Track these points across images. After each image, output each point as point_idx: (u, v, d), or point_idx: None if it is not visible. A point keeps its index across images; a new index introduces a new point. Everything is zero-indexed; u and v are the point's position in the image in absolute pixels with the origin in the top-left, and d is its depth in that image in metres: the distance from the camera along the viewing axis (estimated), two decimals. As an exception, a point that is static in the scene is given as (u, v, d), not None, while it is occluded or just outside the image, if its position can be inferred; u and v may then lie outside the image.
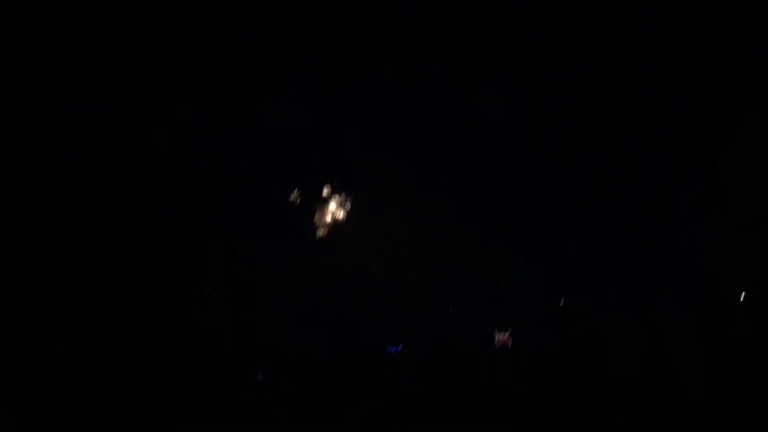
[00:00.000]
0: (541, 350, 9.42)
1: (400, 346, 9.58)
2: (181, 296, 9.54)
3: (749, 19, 9.33)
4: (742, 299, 9.04)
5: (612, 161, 9.82)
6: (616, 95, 9.78)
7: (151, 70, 9.77)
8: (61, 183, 9.47)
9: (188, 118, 9.76)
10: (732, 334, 8.93)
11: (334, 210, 9.95)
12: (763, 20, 9.30)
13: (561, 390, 8.87)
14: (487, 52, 9.76)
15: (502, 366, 9.41)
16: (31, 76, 9.44)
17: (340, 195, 9.99)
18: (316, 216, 9.92)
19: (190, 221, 9.76)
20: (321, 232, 9.95)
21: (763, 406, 8.29)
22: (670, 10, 9.53)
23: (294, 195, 9.98)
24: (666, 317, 9.22)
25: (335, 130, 9.94)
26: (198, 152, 9.82)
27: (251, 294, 9.74)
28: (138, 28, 9.62)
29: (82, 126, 9.59)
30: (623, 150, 9.80)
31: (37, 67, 9.44)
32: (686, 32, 9.49)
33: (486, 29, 9.74)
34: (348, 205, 9.95)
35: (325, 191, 9.99)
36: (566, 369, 9.07)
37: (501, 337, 9.56)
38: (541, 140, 9.96)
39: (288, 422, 8.86)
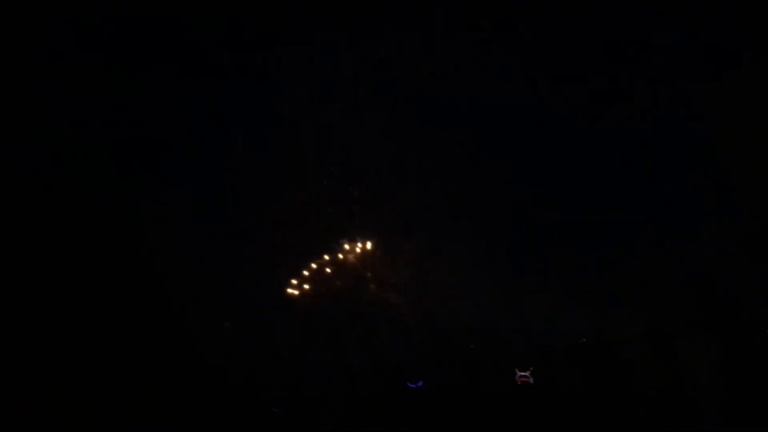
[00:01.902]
0: (561, 388, 9.47)
1: (420, 383, 9.71)
2: (196, 332, 9.54)
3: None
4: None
5: (633, 195, 9.87)
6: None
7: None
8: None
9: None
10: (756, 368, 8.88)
11: (356, 250, 10.05)
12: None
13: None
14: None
15: (523, 403, 9.44)
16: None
17: (360, 239, 10.09)
18: (339, 253, 10.01)
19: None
20: (343, 273, 10.05)
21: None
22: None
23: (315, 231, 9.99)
24: (690, 353, 9.21)
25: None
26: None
27: (269, 329, 9.79)
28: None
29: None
30: (645, 180, 9.85)
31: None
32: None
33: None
34: (369, 246, 10.04)
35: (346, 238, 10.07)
36: (589, 408, 9.07)
37: (522, 375, 9.70)
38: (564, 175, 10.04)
39: None
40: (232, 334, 9.77)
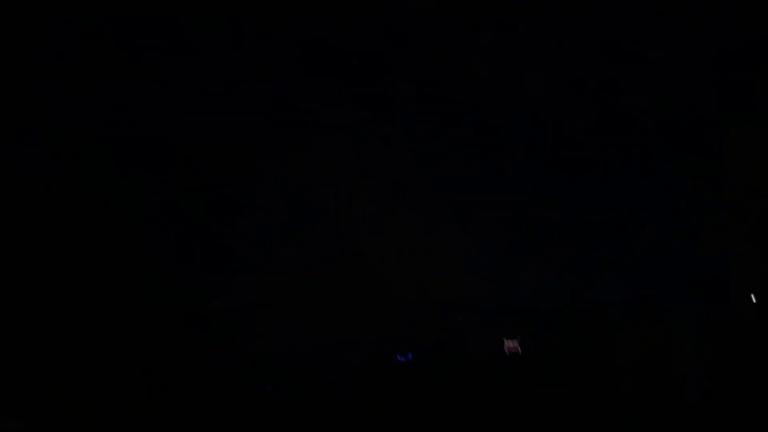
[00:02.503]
0: (551, 356, 9.42)
1: (410, 355, 9.65)
2: (187, 304, 9.55)
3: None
4: (753, 300, 9.09)
5: (616, 160, 9.90)
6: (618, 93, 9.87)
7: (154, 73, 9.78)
8: (61, 183, 9.47)
9: (196, 119, 9.78)
10: (739, 335, 8.94)
11: (343, 215, 9.99)
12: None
13: (570, 397, 8.91)
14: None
15: (512, 373, 9.40)
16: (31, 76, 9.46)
17: (349, 201, 10.02)
18: (327, 220, 9.96)
19: (194, 226, 9.79)
20: (331, 237, 9.99)
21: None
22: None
23: (304, 198, 9.98)
24: (673, 319, 9.25)
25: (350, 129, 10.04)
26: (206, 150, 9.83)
27: (260, 301, 9.77)
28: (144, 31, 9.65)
29: (84, 127, 9.60)
30: (628, 148, 9.88)
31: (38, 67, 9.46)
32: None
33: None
34: (356, 212, 10.00)
35: (336, 195, 10.00)
36: (574, 375, 9.10)
37: (510, 344, 9.61)
38: (546, 143, 10.05)
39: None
40: (223, 311, 9.76)
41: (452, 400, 8.97)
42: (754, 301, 8.93)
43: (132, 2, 9.48)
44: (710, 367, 8.78)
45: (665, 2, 9.62)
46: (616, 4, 9.67)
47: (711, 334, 8.96)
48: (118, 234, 9.55)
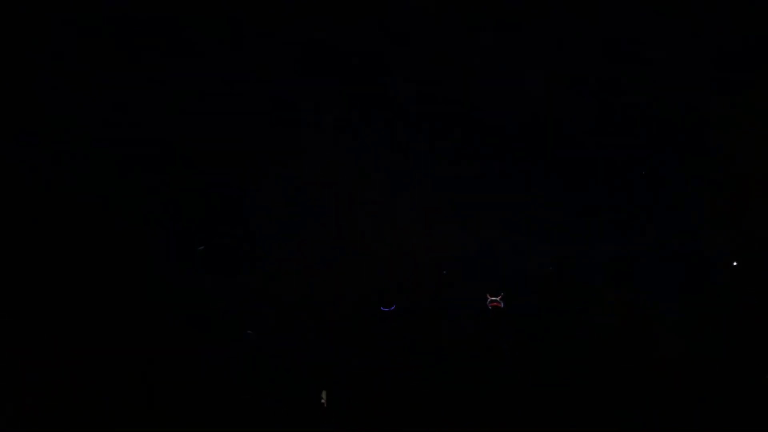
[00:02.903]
0: (532, 313, 9.69)
1: (393, 306, 9.84)
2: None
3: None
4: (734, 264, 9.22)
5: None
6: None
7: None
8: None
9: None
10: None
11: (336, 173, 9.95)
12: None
13: (550, 354, 9.18)
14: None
15: (495, 328, 9.67)
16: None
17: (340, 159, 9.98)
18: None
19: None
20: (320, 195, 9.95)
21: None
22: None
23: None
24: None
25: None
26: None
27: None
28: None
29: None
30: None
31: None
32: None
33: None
34: (348, 168, 9.95)
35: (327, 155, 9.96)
36: (555, 333, 9.34)
37: (493, 300, 9.75)
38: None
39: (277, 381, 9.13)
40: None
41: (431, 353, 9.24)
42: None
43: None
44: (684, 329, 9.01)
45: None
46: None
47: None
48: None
